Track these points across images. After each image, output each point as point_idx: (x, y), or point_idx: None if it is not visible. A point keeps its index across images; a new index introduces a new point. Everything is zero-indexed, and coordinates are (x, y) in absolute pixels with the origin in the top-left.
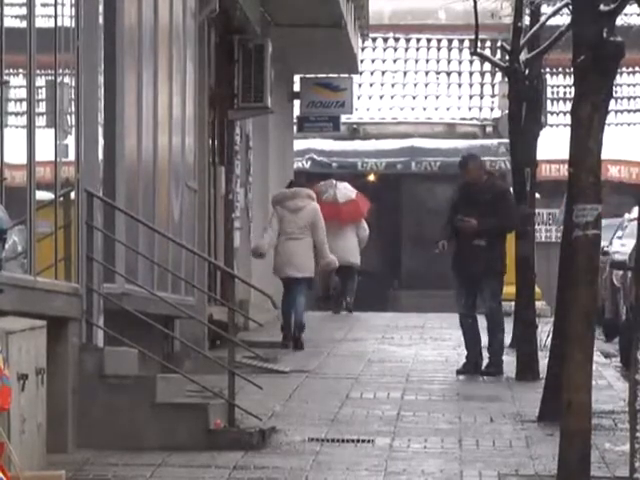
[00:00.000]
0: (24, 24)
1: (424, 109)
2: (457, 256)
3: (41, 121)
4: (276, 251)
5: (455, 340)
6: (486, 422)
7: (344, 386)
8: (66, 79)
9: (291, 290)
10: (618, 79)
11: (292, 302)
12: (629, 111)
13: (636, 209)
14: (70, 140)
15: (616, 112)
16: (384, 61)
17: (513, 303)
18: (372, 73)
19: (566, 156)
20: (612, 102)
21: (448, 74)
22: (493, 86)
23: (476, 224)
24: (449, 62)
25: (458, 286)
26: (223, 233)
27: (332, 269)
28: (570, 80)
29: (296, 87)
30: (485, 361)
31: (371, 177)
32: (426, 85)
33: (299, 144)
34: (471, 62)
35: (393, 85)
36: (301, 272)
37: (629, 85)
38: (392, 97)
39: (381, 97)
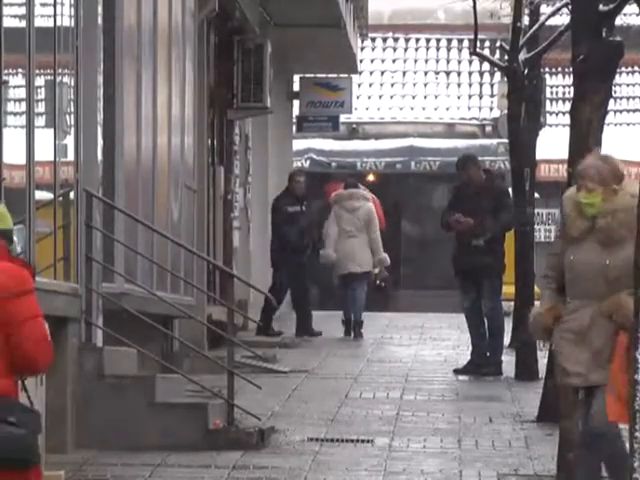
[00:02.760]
0: (23, 24)
1: (423, 109)
2: (456, 256)
3: (40, 121)
4: (336, 249)
5: (454, 340)
6: (485, 422)
7: (343, 386)
8: (65, 79)
9: (350, 285)
10: (617, 79)
11: (351, 297)
12: (628, 111)
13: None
14: (69, 140)
15: (615, 112)
16: (383, 61)
17: (512, 303)
18: (371, 73)
19: (565, 156)
20: (611, 102)
21: (447, 74)
22: (492, 86)
23: (472, 223)
24: (448, 62)
25: (460, 287)
26: (222, 233)
27: (385, 265)
28: (569, 80)
29: (295, 87)
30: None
31: (370, 177)
32: (425, 85)
33: (298, 144)
34: (470, 62)
35: (392, 85)
36: (361, 267)
37: (628, 85)
38: (391, 97)
39: (380, 97)
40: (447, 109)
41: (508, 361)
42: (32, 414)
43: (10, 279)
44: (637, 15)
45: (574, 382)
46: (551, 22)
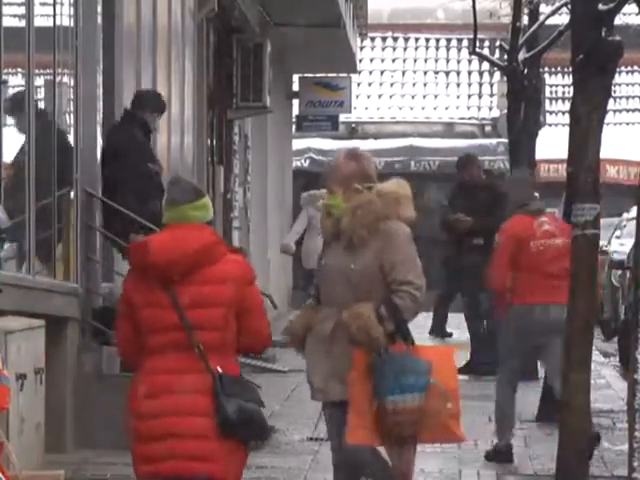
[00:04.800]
0: (23, 23)
1: (423, 108)
2: (455, 256)
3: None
4: (307, 245)
5: (454, 340)
6: (485, 422)
7: None
8: (65, 79)
9: None
10: (617, 78)
11: None
12: (627, 110)
13: (635, 209)
14: (69, 140)
15: (614, 111)
16: (383, 60)
17: None
18: (371, 72)
19: (565, 156)
20: (611, 102)
21: (447, 73)
22: (492, 85)
23: (471, 221)
24: (448, 61)
25: (455, 285)
26: (222, 232)
27: None
28: (569, 79)
29: (295, 86)
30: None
31: None
32: (425, 84)
33: (298, 143)
34: (470, 61)
35: (392, 84)
36: None
37: (628, 84)
38: (391, 96)
39: (380, 96)
40: (446, 109)
41: None
42: (255, 389)
43: (243, 269)
44: (637, 15)
45: (317, 398)
46: (550, 21)
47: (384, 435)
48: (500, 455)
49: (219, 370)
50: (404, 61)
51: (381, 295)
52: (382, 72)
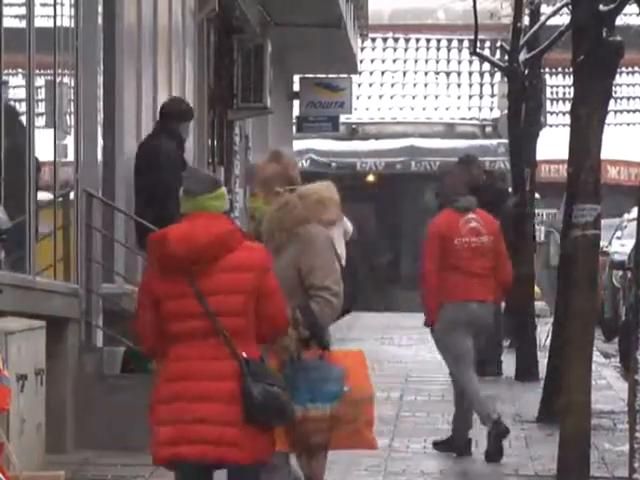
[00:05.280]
0: (23, 24)
1: (423, 109)
2: None
3: (40, 121)
4: None
5: None
6: None
7: None
8: (65, 79)
9: None
10: (617, 79)
11: None
12: (628, 111)
13: (635, 209)
14: (69, 140)
15: (615, 112)
16: (383, 61)
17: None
18: (371, 73)
19: (566, 156)
20: (611, 102)
21: (447, 74)
22: (492, 86)
23: None
24: (448, 62)
25: None
26: None
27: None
28: (569, 80)
29: (295, 87)
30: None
31: (370, 177)
32: (425, 85)
33: (298, 144)
34: (470, 62)
35: (392, 85)
36: None
37: (628, 85)
38: (391, 97)
39: (380, 97)
40: (447, 109)
41: (508, 361)
42: (277, 374)
43: (261, 256)
44: (637, 15)
45: None
46: (551, 22)
47: (294, 442)
48: (495, 437)
49: (244, 355)
50: (405, 62)
51: (300, 300)
52: (383, 73)
